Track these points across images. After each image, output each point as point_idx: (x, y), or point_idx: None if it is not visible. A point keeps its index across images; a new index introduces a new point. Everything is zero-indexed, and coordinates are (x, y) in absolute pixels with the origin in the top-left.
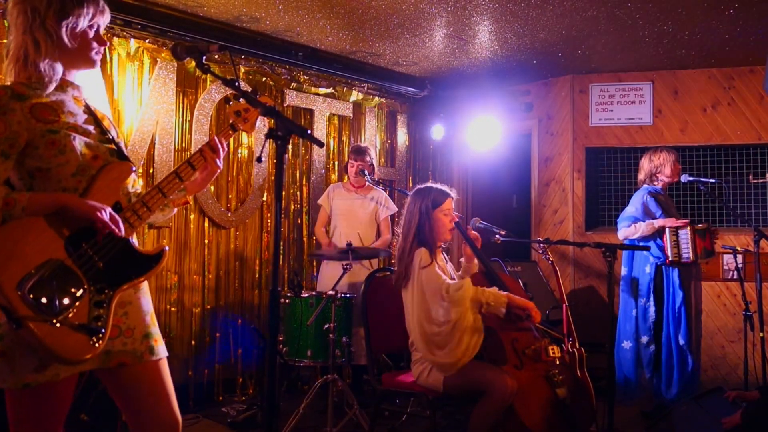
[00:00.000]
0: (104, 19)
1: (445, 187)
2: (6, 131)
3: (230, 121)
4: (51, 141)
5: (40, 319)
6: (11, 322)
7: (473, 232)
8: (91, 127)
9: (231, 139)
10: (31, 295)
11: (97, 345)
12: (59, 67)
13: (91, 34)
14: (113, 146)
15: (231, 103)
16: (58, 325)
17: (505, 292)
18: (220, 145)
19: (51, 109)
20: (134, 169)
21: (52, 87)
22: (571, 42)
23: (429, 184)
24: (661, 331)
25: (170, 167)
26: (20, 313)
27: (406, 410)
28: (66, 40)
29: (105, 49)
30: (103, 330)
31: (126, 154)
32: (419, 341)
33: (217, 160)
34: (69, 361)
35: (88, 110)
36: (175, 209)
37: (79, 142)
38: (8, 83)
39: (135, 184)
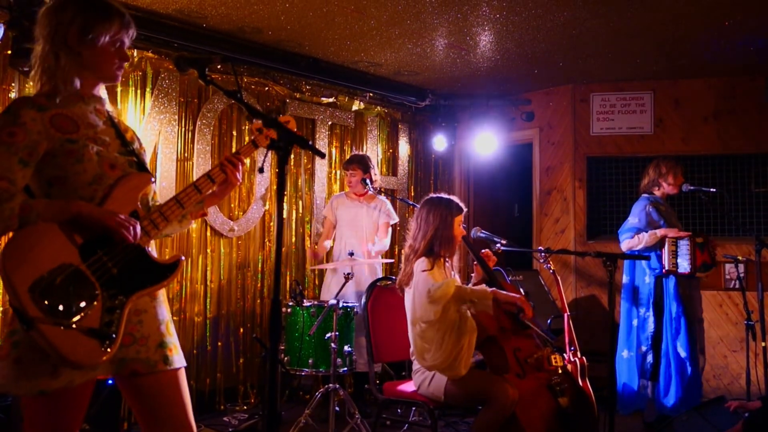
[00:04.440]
0: (129, 35)
1: (460, 201)
2: (25, 139)
3: (252, 138)
4: (69, 150)
5: (51, 321)
6: (22, 323)
7: (487, 251)
8: (110, 139)
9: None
10: (43, 298)
11: (108, 350)
12: (77, 82)
13: (113, 49)
14: (134, 158)
15: (254, 120)
16: (68, 328)
17: (492, 288)
18: (240, 160)
19: (71, 120)
20: (153, 180)
21: (69, 100)
22: (572, 52)
23: (447, 196)
24: (661, 341)
25: (173, 177)
26: (31, 315)
27: (408, 420)
28: (86, 56)
29: None
30: (114, 335)
31: (146, 166)
32: (413, 347)
33: (237, 174)
34: (79, 366)
35: (110, 122)
36: (193, 221)
37: (97, 152)
38: (31, 95)
39: (155, 196)
